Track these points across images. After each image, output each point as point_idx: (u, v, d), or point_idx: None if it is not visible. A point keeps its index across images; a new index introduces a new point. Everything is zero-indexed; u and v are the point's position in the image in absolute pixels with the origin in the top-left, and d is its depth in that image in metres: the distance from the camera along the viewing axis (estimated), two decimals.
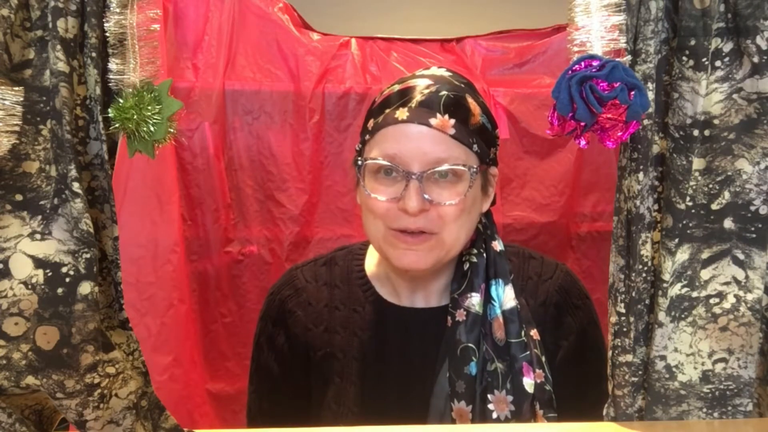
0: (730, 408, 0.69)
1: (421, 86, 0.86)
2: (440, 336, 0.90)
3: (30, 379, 0.61)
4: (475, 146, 0.86)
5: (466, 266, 0.92)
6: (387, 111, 0.86)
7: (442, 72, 0.91)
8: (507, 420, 0.84)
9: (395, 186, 0.84)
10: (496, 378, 0.86)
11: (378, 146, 0.86)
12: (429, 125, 0.83)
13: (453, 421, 0.85)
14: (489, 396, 0.85)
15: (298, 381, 0.97)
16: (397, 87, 0.89)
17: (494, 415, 0.84)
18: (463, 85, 0.90)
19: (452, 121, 0.84)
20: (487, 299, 0.90)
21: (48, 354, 0.60)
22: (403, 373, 0.91)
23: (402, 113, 0.84)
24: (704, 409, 0.69)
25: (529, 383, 0.85)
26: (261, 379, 1.02)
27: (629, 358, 0.69)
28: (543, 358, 0.88)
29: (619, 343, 0.70)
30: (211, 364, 1.64)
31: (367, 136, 0.89)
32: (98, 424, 0.64)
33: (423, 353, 0.91)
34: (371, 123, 0.89)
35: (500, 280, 0.90)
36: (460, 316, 0.89)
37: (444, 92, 0.85)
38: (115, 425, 0.65)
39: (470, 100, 0.87)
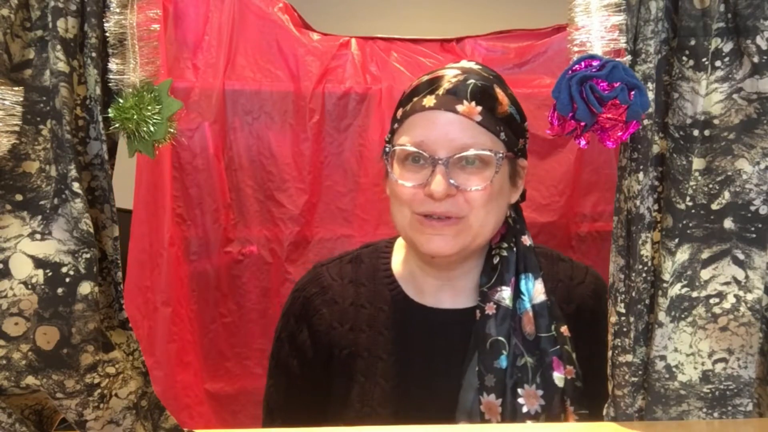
0: (730, 408, 0.69)
1: (450, 75, 0.88)
2: (466, 336, 0.89)
3: (30, 379, 0.61)
4: (502, 134, 0.87)
5: (496, 260, 0.91)
6: (415, 99, 0.88)
7: (471, 64, 0.93)
8: (537, 414, 0.83)
9: (422, 172, 0.85)
10: (526, 372, 0.85)
11: (406, 133, 0.87)
12: (456, 111, 0.84)
13: (482, 415, 0.84)
14: (519, 390, 0.84)
15: (319, 379, 0.97)
16: (426, 77, 0.90)
17: (524, 410, 0.83)
18: (491, 77, 0.91)
19: (479, 108, 0.85)
20: (517, 294, 0.89)
21: (48, 354, 0.60)
22: (429, 372, 0.91)
23: (429, 101, 0.86)
24: (704, 409, 0.69)
25: (559, 377, 0.85)
26: (280, 375, 1.01)
27: (629, 358, 0.69)
28: (574, 356, 0.87)
29: (619, 343, 0.70)
30: (210, 364, 1.64)
31: (396, 125, 0.90)
32: (98, 424, 0.64)
33: (449, 352, 0.90)
34: (400, 112, 0.90)
35: (530, 275, 0.90)
36: (490, 309, 0.88)
37: (472, 81, 0.86)
38: (115, 425, 0.65)
39: (498, 90, 0.89)
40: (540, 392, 0.84)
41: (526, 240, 0.93)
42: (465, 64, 0.93)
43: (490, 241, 0.92)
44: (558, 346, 0.86)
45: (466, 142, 0.84)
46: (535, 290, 0.89)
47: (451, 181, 0.83)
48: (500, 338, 0.86)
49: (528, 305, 0.88)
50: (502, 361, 0.85)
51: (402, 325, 0.94)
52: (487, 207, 0.86)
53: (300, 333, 0.99)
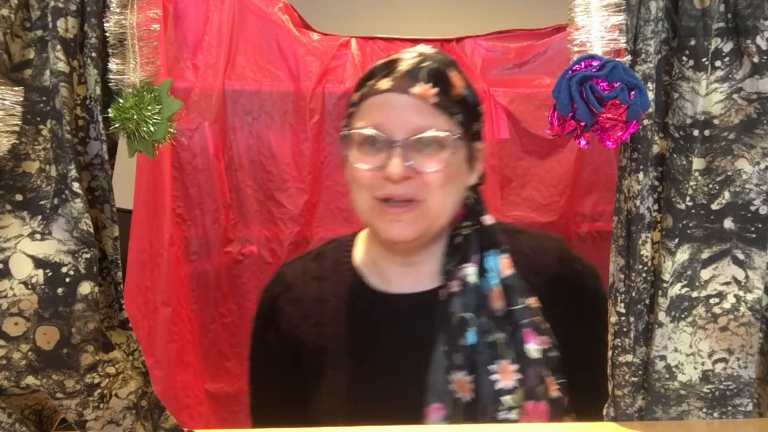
0: (730, 408, 0.69)
1: (405, 59, 0.88)
2: (433, 318, 0.89)
3: (30, 379, 0.61)
4: (458, 116, 0.87)
5: (458, 239, 0.91)
6: (371, 83, 0.88)
7: (427, 48, 0.93)
8: (514, 389, 0.83)
9: (380, 155, 0.85)
10: (498, 348, 0.85)
11: (362, 117, 0.87)
12: (411, 94, 0.85)
13: (453, 394, 0.84)
14: (491, 366, 0.84)
15: (293, 378, 0.97)
16: (381, 61, 0.91)
17: (499, 386, 0.83)
18: (446, 60, 0.91)
19: (434, 90, 0.85)
20: (482, 271, 0.89)
21: (48, 354, 0.60)
22: (397, 359, 0.91)
23: (385, 83, 0.86)
24: (704, 409, 0.69)
25: (535, 348, 0.84)
26: (257, 377, 1.02)
27: (629, 358, 0.69)
28: (548, 326, 0.87)
29: (619, 343, 0.70)
30: (210, 364, 1.64)
31: (352, 109, 0.90)
32: (98, 424, 0.64)
33: (416, 336, 0.90)
34: (356, 96, 0.90)
35: (495, 251, 0.90)
36: (455, 287, 0.88)
37: (427, 63, 0.87)
38: (115, 425, 0.65)
39: (453, 73, 0.89)
40: (515, 366, 0.84)
41: (487, 219, 0.93)
42: (420, 48, 0.93)
43: (450, 224, 0.92)
44: (529, 318, 0.86)
45: (422, 124, 0.84)
46: (502, 265, 0.89)
47: (409, 163, 0.83)
48: (466, 315, 0.86)
49: (496, 281, 0.88)
50: (469, 338, 0.85)
51: (366, 315, 0.94)
52: (445, 189, 0.86)
53: (269, 333, 0.99)
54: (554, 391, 0.83)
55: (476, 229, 0.92)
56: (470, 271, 0.88)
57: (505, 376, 0.84)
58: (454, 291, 0.88)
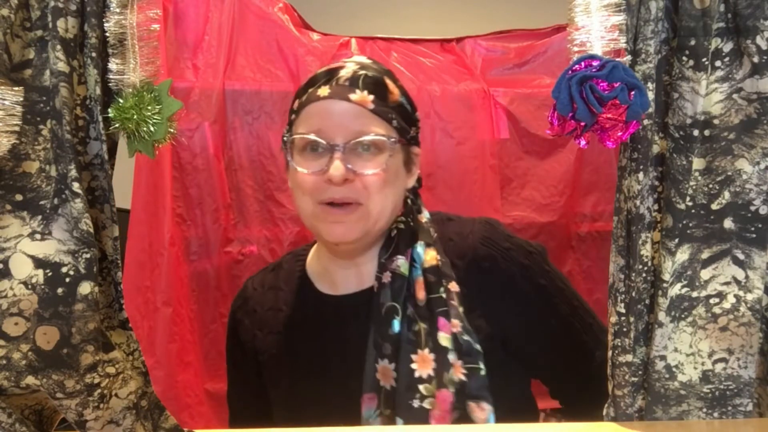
0: (730, 408, 0.69)
1: (343, 68, 0.92)
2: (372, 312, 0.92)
3: (30, 379, 0.61)
4: (394, 122, 0.91)
5: (393, 233, 0.95)
6: (311, 90, 0.92)
7: (363, 59, 0.98)
8: (429, 378, 0.85)
9: (321, 160, 0.88)
10: (420, 337, 0.87)
11: (303, 123, 0.91)
12: (350, 100, 0.88)
13: (377, 381, 0.87)
14: (413, 356, 0.86)
15: (258, 387, 1.01)
16: (321, 70, 0.94)
17: (416, 374, 0.85)
18: (382, 69, 0.96)
19: (371, 97, 0.89)
20: (411, 263, 0.92)
21: (48, 354, 0.60)
22: (343, 357, 0.93)
23: (324, 90, 0.89)
24: (704, 409, 0.69)
25: (444, 337, 0.86)
26: (230, 386, 1.08)
27: (629, 358, 0.69)
28: (461, 310, 0.89)
29: (619, 343, 0.70)
30: (210, 364, 1.64)
31: (293, 116, 0.94)
32: (98, 424, 0.64)
33: (359, 333, 0.92)
34: (296, 103, 0.94)
35: (422, 243, 0.93)
36: (386, 278, 0.91)
37: (363, 72, 0.91)
38: (115, 425, 0.65)
39: (389, 81, 0.93)
40: (432, 355, 0.86)
41: (422, 217, 0.97)
42: (357, 58, 0.98)
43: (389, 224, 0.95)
44: (443, 307, 0.88)
45: (360, 128, 0.88)
46: (427, 255, 0.92)
47: (349, 166, 0.86)
48: (393, 304, 0.89)
49: (419, 272, 0.91)
50: (395, 326, 0.88)
51: (316, 320, 0.97)
52: (384, 191, 0.89)
53: (234, 346, 1.05)
54: (461, 375, 0.85)
55: (410, 224, 0.95)
56: (400, 263, 0.91)
57: (422, 365, 0.86)
58: (384, 282, 0.91)
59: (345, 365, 0.92)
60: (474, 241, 0.95)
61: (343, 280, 0.97)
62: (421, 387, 0.84)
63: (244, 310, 1.03)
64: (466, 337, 0.87)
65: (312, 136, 0.88)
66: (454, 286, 0.90)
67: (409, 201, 0.97)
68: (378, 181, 0.88)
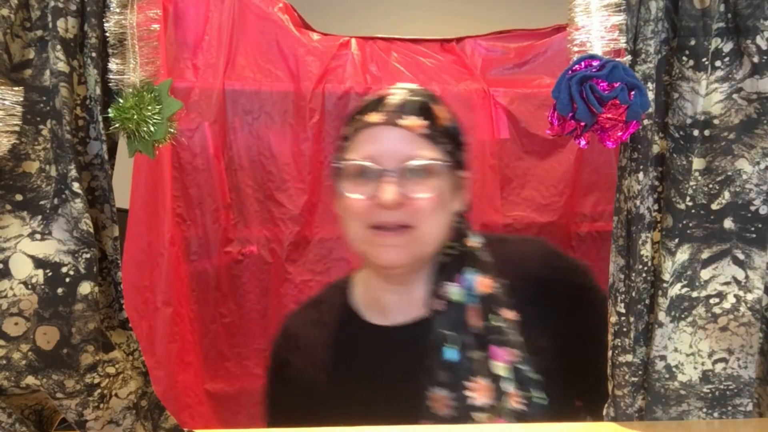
0: (730, 408, 0.69)
1: (392, 95, 0.93)
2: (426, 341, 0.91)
3: (30, 379, 0.61)
4: (444, 145, 0.91)
5: (444, 260, 0.94)
6: (361, 116, 0.93)
7: (413, 86, 0.99)
8: (487, 406, 0.84)
9: (371, 184, 0.88)
10: (475, 365, 0.87)
11: (354, 149, 0.91)
12: (400, 126, 0.89)
13: (432, 411, 0.86)
14: (469, 384, 0.86)
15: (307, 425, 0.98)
16: (371, 98, 0.95)
17: (473, 402, 0.84)
18: (430, 95, 0.96)
19: (420, 122, 0.90)
20: (464, 290, 0.92)
21: (48, 354, 0.60)
22: (400, 388, 0.92)
23: (374, 117, 0.90)
24: (704, 409, 0.69)
25: (499, 366, 0.86)
26: (271, 424, 1.05)
27: (629, 358, 0.69)
28: (517, 338, 0.88)
29: (619, 343, 0.70)
30: (210, 364, 1.64)
31: (344, 143, 0.95)
32: (98, 424, 0.64)
33: (415, 363, 0.91)
34: (347, 130, 0.95)
35: (475, 269, 0.93)
36: (439, 306, 0.91)
37: (412, 97, 0.92)
38: (115, 425, 0.65)
39: (438, 107, 0.94)
40: (489, 384, 0.86)
41: (471, 241, 0.96)
42: (405, 85, 0.99)
43: (439, 248, 0.95)
44: (498, 335, 0.88)
45: (411, 153, 0.88)
46: (480, 282, 0.91)
47: (400, 190, 0.87)
48: (447, 332, 0.89)
49: (473, 299, 0.91)
50: (450, 354, 0.87)
51: (367, 353, 0.96)
52: (435, 215, 0.89)
53: (279, 388, 1.02)
54: (517, 404, 0.84)
55: (460, 250, 0.95)
56: (453, 290, 0.91)
57: (479, 393, 0.85)
58: (438, 310, 0.91)
59: (400, 395, 0.90)
60: (536, 263, 0.95)
61: (393, 308, 0.96)
62: (477, 415, 0.84)
63: (288, 349, 1.01)
64: (523, 366, 0.86)
65: (363, 162, 0.89)
66: (509, 314, 0.90)
67: (457, 225, 0.96)
68: (429, 204, 0.88)
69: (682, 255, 0.67)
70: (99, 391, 0.63)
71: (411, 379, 0.90)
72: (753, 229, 0.67)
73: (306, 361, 0.99)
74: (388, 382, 0.93)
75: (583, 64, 0.62)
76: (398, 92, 0.94)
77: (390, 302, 0.96)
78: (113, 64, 0.65)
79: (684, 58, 0.65)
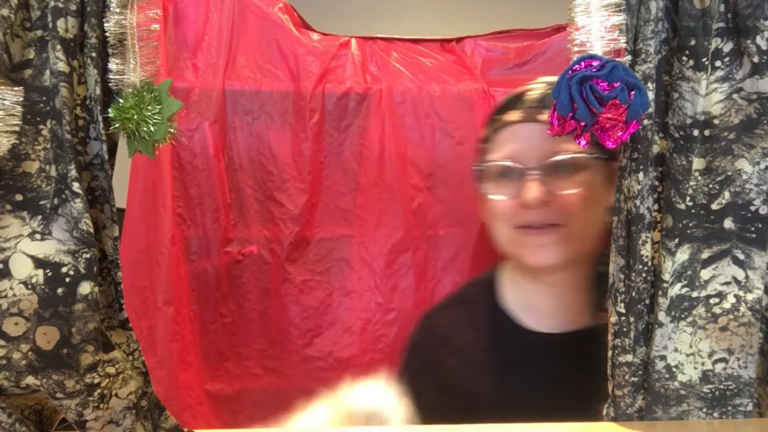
0: (730, 408, 0.69)
1: (530, 90, 0.90)
2: (588, 352, 0.85)
3: (30, 379, 0.60)
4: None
5: (603, 268, 0.87)
6: (500, 117, 0.90)
7: (550, 78, 0.94)
8: None
9: (515, 184, 0.85)
10: None
11: (495, 150, 0.89)
12: (540, 121, 0.85)
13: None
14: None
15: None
16: (508, 96, 0.93)
17: None
18: None
19: None
20: None
21: (48, 354, 0.60)
22: (560, 397, 0.87)
23: (513, 115, 0.87)
24: (704, 409, 0.69)
25: None
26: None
27: (629, 358, 0.69)
28: None
29: (619, 343, 0.70)
30: (210, 364, 1.64)
31: (484, 144, 0.92)
32: (98, 424, 0.64)
33: (579, 372, 0.85)
34: (487, 131, 0.92)
35: None
36: (603, 318, 0.83)
37: (551, 90, 0.87)
38: (115, 425, 0.65)
39: None
40: None
41: None
42: (543, 78, 0.94)
43: (596, 249, 0.89)
44: None
45: (554, 148, 0.84)
46: None
47: (545, 188, 0.83)
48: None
49: None
50: None
51: (528, 360, 0.91)
52: (586, 211, 0.85)
53: (428, 390, 0.95)
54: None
55: None
56: None
57: None
58: (604, 321, 0.86)
59: (561, 404, 0.85)
60: None
61: (548, 313, 0.91)
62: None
63: (440, 350, 0.95)
64: None
65: (505, 162, 0.86)
66: None
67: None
68: (578, 200, 0.84)
69: (682, 255, 0.67)
70: (99, 391, 0.63)
71: (574, 387, 0.85)
72: (753, 229, 0.67)
73: (461, 364, 0.93)
74: (548, 389, 0.88)
75: (583, 64, 0.62)
76: (537, 87, 0.90)
77: (544, 306, 0.91)
78: (113, 64, 0.65)
79: (684, 58, 0.65)
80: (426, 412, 0.95)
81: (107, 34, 0.64)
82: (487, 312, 0.96)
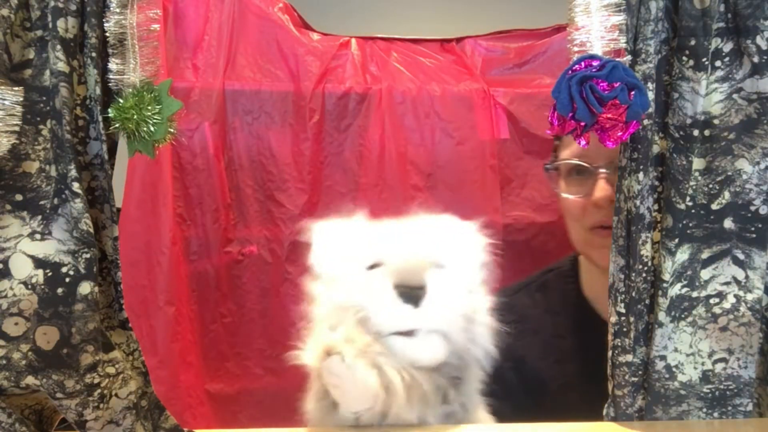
0: (730, 408, 0.69)
1: None
2: None
3: (30, 379, 0.60)
4: None
5: None
6: None
7: None
8: None
9: (586, 183, 0.84)
10: None
11: (566, 147, 0.88)
12: None
13: None
14: None
15: (521, 408, 0.88)
16: None
17: None
18: None
19: None
20: None
21: (48, 354, 0.60)
22: None
23: None
24: (704, 409, 0.69)
25: None
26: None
27: (629, 358, 0.69)
28: None
29: (619, 343, 0.70)
30: (210, 364, 1.64)
31: (557, 141, 0.91)
32: (98, 424, 0.64)
33: None
34: None
35: None
36: None
37: None
38: (115, 425, 0.65)
39: None
40: None
41: None
42: None
43: None
44: None
45: None
46: None
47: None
48: None
49: None
50: None
51: (603, 351, 0.88)
52: None
53: (501, 364, 0.89)
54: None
55: None
56: None
57: None
58: None
59: None
60: None
61: None
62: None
63: (523, 329, 0.91)
64: None
65: (575, 161, 0.85)
66: None
67: None
68: None
69: (682, 255, 0.67)
70: (99, 391, 0.63)
71: None
72: (753, 229, 0.66)
73: (542, 348, 0.91)
74: None
75: (583, 64, 0.62)
76: None
77: None
78: (113, 64, 0.65)
79: (684, 58, 0.65)
80: (497, 382, 0.90)
81: (107, 34, 0.64)
82: (565, 300, 0.95)
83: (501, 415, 0.90)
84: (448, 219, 0.73)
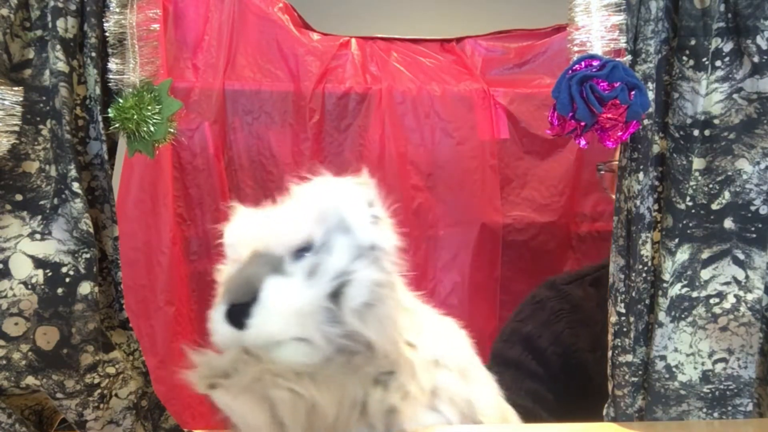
0: (730, 408, 0.69)
1: None
2: None
3: (30, 380, 0.60)
4: None
5: None
6: None
7: None
8: None
9: None
10: None
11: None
12: None
13: None
14: None
15: (562, 395, 0.89)
16: None
17: None
18: None
19: None
20: None
21: (48, 354, 0.60)
22: None
23: None
24: (704, 409, 0.69)
25: None
26: (516, 378, 0.92)
27: (629, 358, 0.69)
28: None
29: (619, 343, 0.70)
30: None
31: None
32: (98, 424, 0.64)
33: None
34: None
35: None
36: None
37: None
38: (115, 425, 0.65)
39: None
40: None
41: None
42: None
43: None
44: None
45: None
46: None
47: None
48: None
49: None
50: None
51: None
52: None
53: (546, 344, 0.92)
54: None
55: None
56: None
57: None
58: None
59: None
60: None
61: None
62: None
63: (571, 319, 0.92)
64: None
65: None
66: None
67: None
68: None
69: (682, 255, 0.67)
70: (99, 391, 0.63)
71: None
72: (753, 229, 0.66)
73: (591, 340, 0.90)
74: None
75: (583, 63, 0.62)
76: None
77: None
78: (113, 64, 0.65)
79: (684, 58, 0.65)
80: (540, 363, 0.91)
81: (107, 34, 0.64)
82: None
83: (539, 396, 0.90)
84: (317, 182, 0.65)
